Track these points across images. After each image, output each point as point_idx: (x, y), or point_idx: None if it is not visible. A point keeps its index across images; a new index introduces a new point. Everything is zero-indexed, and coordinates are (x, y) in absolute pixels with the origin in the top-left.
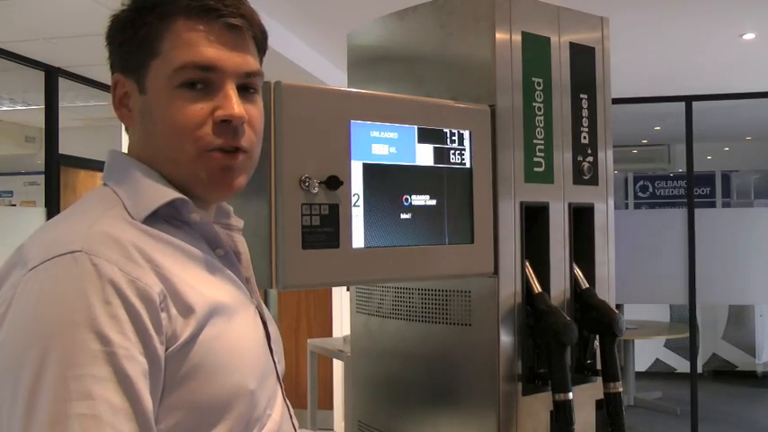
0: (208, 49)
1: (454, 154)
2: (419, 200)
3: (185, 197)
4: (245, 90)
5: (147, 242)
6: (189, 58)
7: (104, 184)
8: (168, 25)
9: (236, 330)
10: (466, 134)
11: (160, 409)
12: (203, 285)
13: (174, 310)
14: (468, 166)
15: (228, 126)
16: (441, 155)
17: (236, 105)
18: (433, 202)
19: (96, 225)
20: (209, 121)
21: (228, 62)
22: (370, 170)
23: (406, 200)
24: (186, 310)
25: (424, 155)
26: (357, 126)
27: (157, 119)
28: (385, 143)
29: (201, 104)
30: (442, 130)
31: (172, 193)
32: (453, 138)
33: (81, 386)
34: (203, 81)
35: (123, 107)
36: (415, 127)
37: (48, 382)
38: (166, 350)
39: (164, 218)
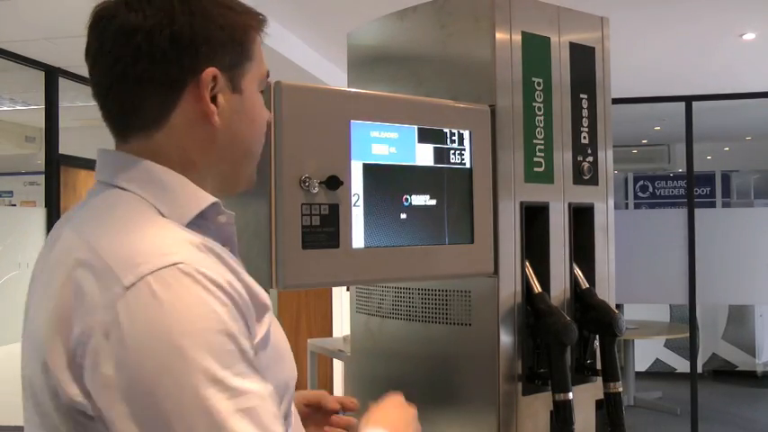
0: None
1: (454, 154)
2: (419, 200)
3: (218, 200)
4: None
5: (213, 246)
6: (267, 68)
7: (118, 187)
8: (254, 34)
9: (274, 323)
10: (466, 134)
11: None
12: None
13: (252, 310)
14: (468, 166)
15: None
16: (441, 155)
17: None
18: (433, 203)
19: (169, 234)
20: None
21: None
22: (370, 170)
23: (406, 200)
24: (262, 307)
25: (424, 155)
26: (357, 126)
27: (252, 118)
28: (385, 143)
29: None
30: (441, 130)
31: (209, 197)
32: (453, 138)
33: (233, 384)
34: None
35: (212, 102)
36: (416, 127)
37: (201, 388)
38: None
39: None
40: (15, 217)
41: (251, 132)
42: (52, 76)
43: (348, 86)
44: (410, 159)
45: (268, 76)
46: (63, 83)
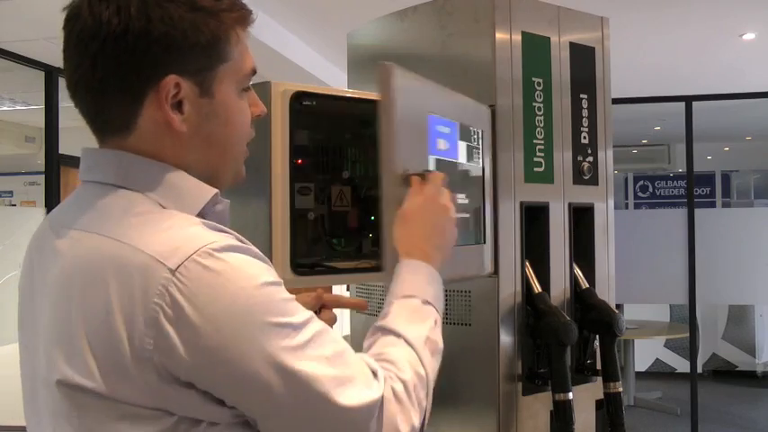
0: (252, 56)
1: (476, 153)
2: (459, 198)
3: (217, 190)
4: None
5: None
6: (253, 65)
7: (109, 185)
8: (233, 32)
9: None
10: (482, 133)
11: None
12: None
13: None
14: (481, 165)
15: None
16: (470, 153)
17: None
18: (465, 202)
19: (192, 222)
20: None
21: None
22: (438, 165)
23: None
24: None
25: (462, 153)
26: (431, 120)
27: (226, 121)
28: (444, 138)
29: (248, 105)
30: (470, 127)
31: (210, 189)
32: (476, 136)
33: (310, 329)
34: (249, 85)
35: (174, 110)
36: (458, 123)
37: (285, 339)
38: None
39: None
40: (15, 217)
41: (226, 134)
42: (52, 76)
43: (348, 87)
44: (455, 156)
45: (254, 72)
46: (63, 83)
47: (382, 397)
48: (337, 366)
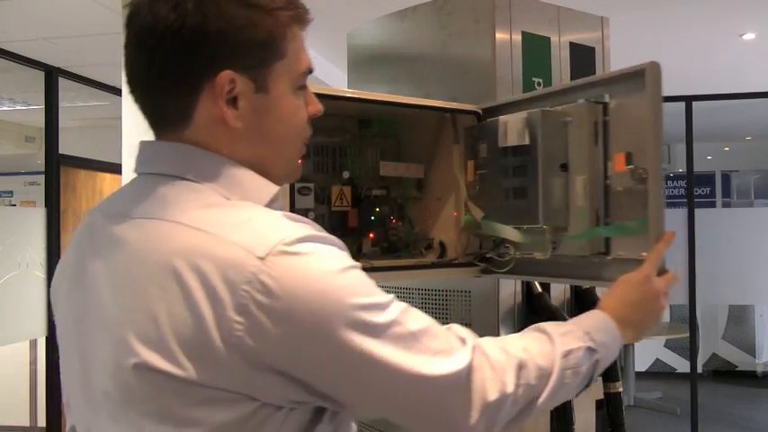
0: (308, 55)
1: None
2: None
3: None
4: None
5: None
6: (309, 64)
7: (171, 176)
8: (289, 30)
9: None
10: None
11: None
12: None
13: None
14: None
15: (309, 121)
16: None
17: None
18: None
19: (272, 213)
20: None
21: None
22: None
23: None
24: None
25: None
26: None
27: (281, 118)
28: None
29: (304, 103)
30: None
31: (273, 186)
32: None
33: (395, 307)
34: (305, 83)
35: (230, 105)
36: None
37: (374, 317)
38: None
39: None
40: (15, 217)
41: (281, 131)
42: (52, 76)
43: (348, 86)
44: None
45: (311, 71)
46: (63, 83)
47: (470, 364)
48: (424, 340)
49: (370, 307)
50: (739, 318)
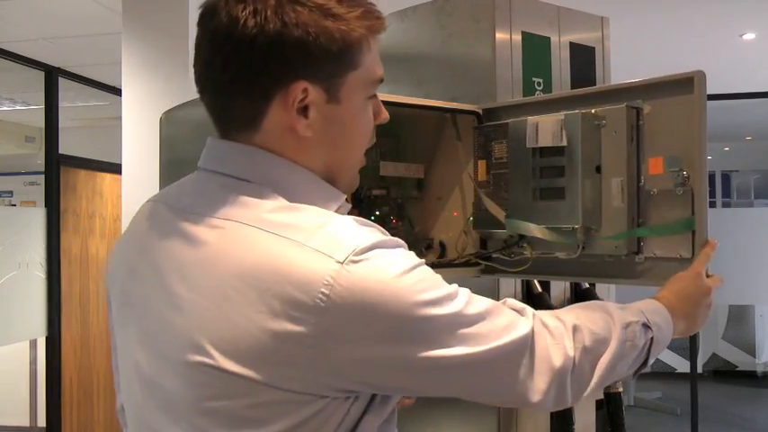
0: (380, 64)
1: None
2: None
3: (345, 195)
4: None
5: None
6: (381, 73)
7: (238, 179)
8: (364, 40)
9: None
10: None
11: None
12: None
13: None
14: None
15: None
16: None
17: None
18: None
19: (348, 219)
20: None
21: None
22: None
23: None
24: None
25: None
26: None
27: (351, 128)
28: None
29: (371, 112)
30: None
31: (340, 194)
32: None
33: (462, 294)
34: (376, 93)
35: (300, 114)
36: None
37: (446, 309)
38: None
39: None
40: (15, 217)
41: (349, 140)
42: (52, 76)
43: None
44: None
45: (382, 80)
46: (63, 83)
47: (532, 329)
48: (492, 319)
49: (438, 300)
50: (739, 318)
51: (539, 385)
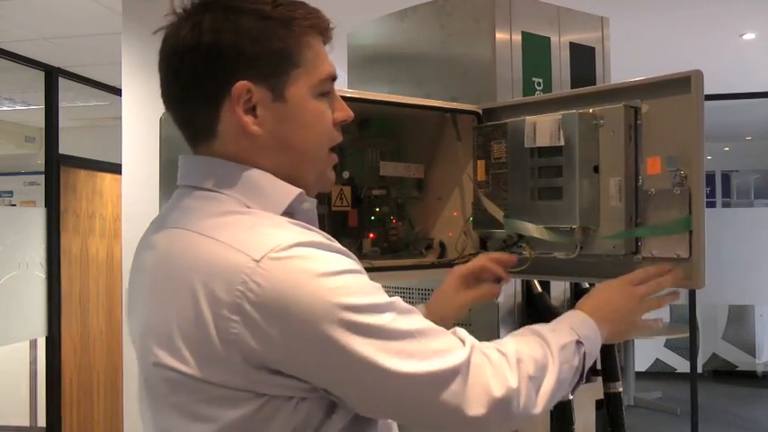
0: (331, 62)
1: None
2: None
3: (301, 190)
4: None
5: (308, 226)
6: (330, 70)
7: (199, 188)
8: (305, 39)
9: None
10: None
11: None
12: None
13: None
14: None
15: (340, 126)
16: None
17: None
18: None
19: (276, 221)
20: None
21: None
22: None
23: None
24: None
25: None
26: None
27: (303, 124)
28: None
29: (329, 109)
30: None
31: (293, 189)
32: None
33: (391, 304)
34: (329, 90)
35: (249, 114)
36: None
37: (366, 319)
38: None
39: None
40: (15, 217)
41: (303, 137)
42: (52, 76)
43: (348, 87)
44: None
45: (334, 78)
46: (63, 83)
47: (468, 360)
48: (422, 340)
49: (363, 308)
50: (739, 318)
51: (470, 410)
